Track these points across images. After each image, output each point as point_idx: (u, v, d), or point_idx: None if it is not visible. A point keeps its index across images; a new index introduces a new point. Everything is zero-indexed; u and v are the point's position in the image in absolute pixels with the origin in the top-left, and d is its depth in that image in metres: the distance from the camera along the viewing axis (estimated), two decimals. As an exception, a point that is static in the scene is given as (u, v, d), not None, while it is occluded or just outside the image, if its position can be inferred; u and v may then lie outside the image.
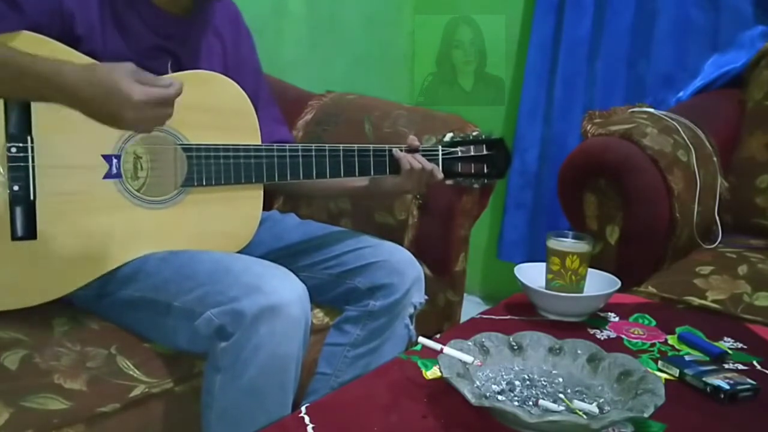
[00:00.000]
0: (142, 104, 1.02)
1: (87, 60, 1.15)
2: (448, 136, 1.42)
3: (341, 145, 1.32)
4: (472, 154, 1.41)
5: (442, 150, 1.39)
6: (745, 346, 1.21)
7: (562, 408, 0.94)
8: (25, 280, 1.14)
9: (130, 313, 1.21)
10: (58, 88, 1.02)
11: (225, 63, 1.37)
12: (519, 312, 1.30)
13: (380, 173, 1.35)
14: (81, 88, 1.01)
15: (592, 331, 1.23)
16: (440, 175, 1.36)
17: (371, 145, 1.34)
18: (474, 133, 1.46)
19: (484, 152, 1.41)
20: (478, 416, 0.93)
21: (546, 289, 1.29)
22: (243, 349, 1.08)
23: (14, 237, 1.11)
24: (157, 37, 1.26)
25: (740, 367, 1.13)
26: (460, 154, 1.40)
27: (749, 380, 1.04)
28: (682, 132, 1.79)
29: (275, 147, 1.29)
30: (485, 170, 1.42)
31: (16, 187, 1.10)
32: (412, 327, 1.37)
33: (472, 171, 1.42)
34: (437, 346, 1.02)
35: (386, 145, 1.35)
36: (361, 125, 1.71)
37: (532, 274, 1.31)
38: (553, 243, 1.29)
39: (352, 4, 2.41)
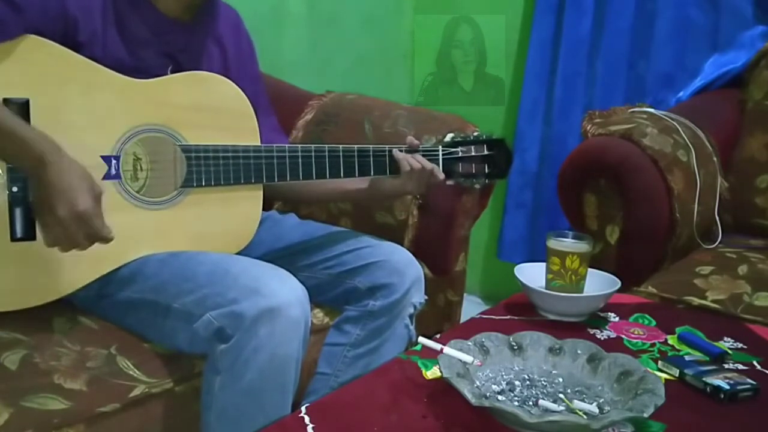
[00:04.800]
0: (79, 216, 1.03)
1: (89, 63, 1.16)
2: (449, 136, 1.41)
3: (341, 146, 1.32)
4: (473, 154, 1.41)
5: (443, 150, 1.39)
6: (745, 346, 1.21)
7: (562, 408, 0.94)
8: (25, 281, 1.14)
9: (130, 314, 1.21)
10: (30, 153, 1.03)
11: (226, 69, 1.37)
12: (519, 312, 1.30)
13: (380, 174, 1.35)
14: (49, 161, 1.02)
15: (592, 331, 1.23)
16: (441, 176, 1.36)
17: (371, 146, 1.34)
18: (475, 134, 1.46)
19: (485, 152, 1.42)
20: (478, 416, 0.93)
21: (546, 289, 1.29)
22: (242, 351, 1.08)
23: (13, 238, 1.11)
24: (159, 42, 1.26)
25: (740, 367, 1.13)
26: (460, 154, 1.40)
27: (749, 380, 1.04)
28: (682, 132, 1.79)
29: (275, 147, 1.29)
30: (486, 170, 1.43)
31: (14, 188, 1.10)
32: (412, 327, 1.37)
33: (473, 171, 1.42)
34: (437, 346, 1.02)
35: (386, 146, 1.35)
36: (361, 125, 1.71)
37: (532, 274, 1.31)
38: (553, 243, 1.29)
39: (352, 4, 2.41)
